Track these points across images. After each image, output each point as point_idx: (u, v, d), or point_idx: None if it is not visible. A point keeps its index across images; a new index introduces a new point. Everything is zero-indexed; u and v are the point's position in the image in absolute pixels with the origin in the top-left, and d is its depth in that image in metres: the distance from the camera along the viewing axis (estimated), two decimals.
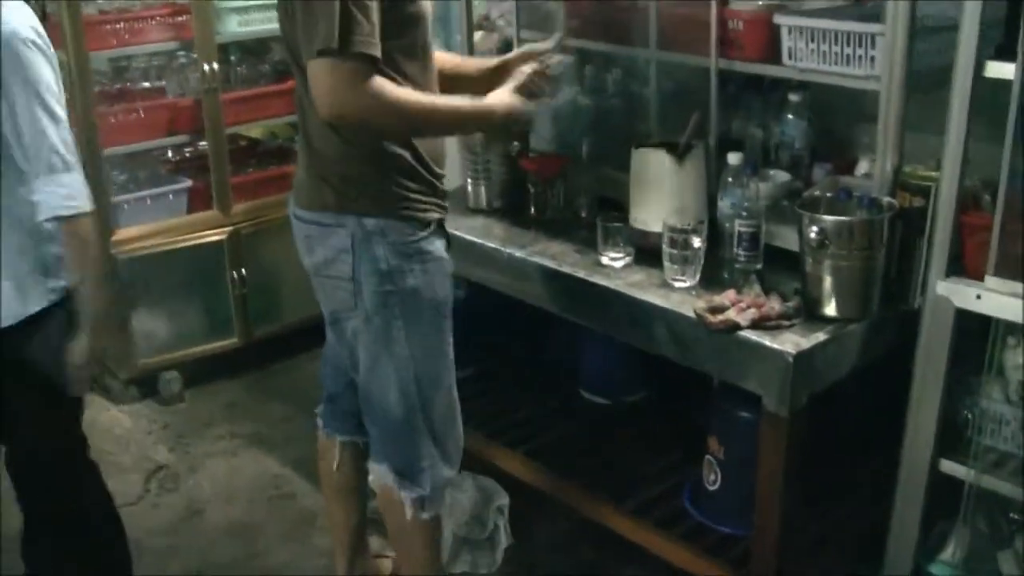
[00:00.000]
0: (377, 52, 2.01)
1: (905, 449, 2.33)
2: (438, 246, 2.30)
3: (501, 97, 2.29)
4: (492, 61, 2.54)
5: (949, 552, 2.40)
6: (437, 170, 2.28)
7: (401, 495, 2.42)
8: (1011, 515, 2.33)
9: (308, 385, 3.87)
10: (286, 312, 4.14)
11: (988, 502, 2.31)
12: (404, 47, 2.14)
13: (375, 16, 2.00)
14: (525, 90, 2.33)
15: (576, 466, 2.95)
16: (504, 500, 3.10)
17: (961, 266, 2.20)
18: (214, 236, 3.95)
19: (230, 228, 3.97)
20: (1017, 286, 2.10)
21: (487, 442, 3.07)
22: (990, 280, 2.14)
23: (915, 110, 2.29)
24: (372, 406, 2.39)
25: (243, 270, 4.01)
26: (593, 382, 3.23)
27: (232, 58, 4.16)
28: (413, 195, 2.22)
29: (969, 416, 2.31)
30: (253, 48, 4.23)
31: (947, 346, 2.22)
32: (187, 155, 4.17)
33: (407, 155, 2.20)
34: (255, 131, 4.48)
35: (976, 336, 2.23)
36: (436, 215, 2.29)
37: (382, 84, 2.03)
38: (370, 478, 2.57)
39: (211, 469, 3.60)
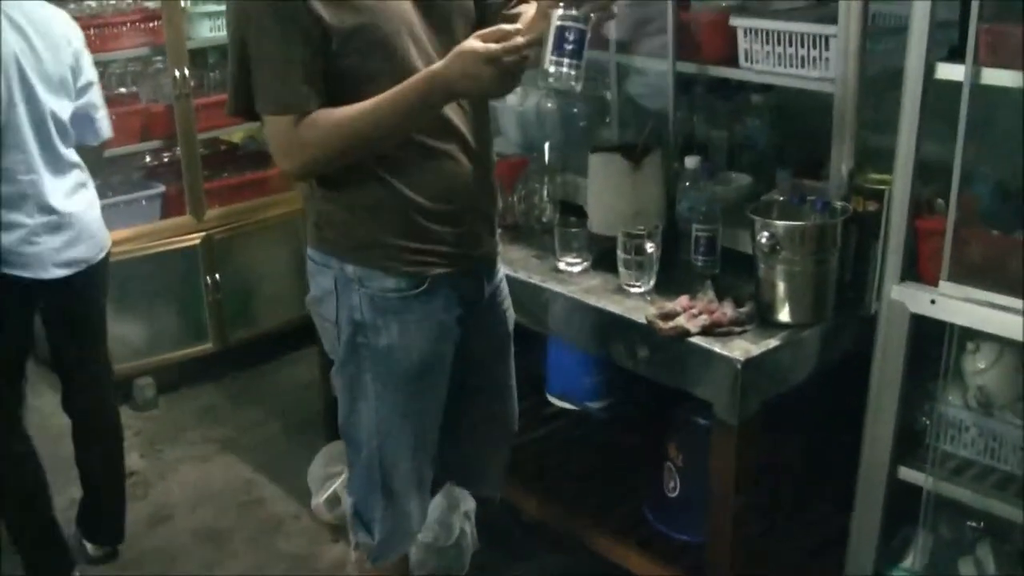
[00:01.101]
0: (301, 102, 1.86)
1: (863, 456, 2.28)
2: (434, 307, 2.06)
3: (454, 53, 1.83)
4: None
5: (910, 560, 2.36)
6: (437, 209, 2.01)
7: (351, 534, 2.35)
8: (970, 523, 2.27)
9: (281, 390, 3.93)
10: (262, 317, 4.11)
11: (949, 509, 2.27)
12: (370, 79, 1.91)
13: (289, 61, 1.85)
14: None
15: (540, 473, 2.93)
16: (470, 505, 3.04)
17: (916, 271, 2.15)
18: (188, 241, 3.92)
19: (204, 233, 3.94)
20: (971, 291, 2.05)
21: None
22: (944, 285, 2.09)
23: (875, 113, 2.25)
24: (347, 445, 2.28)
25: (217, 275, 3.98)
26: (560, 388, 3.17)
27: (210, 61, 4.11)
28: (398, 243, 2.00)
29: (927, 422, 2.26)
30: None
31: (903, 351, 2.17)
32: (164, 160, 4.12)
33: (385, 194, 1.98)
34: (236, 135, 4.44)
35: (933, 340, 2.18)
36: (437, 269, 2.03)
37: (312, 123, 1.87)
38: None
39: (182, 475, 3.57)
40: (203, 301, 3.99)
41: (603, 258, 2.50)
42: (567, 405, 3.15)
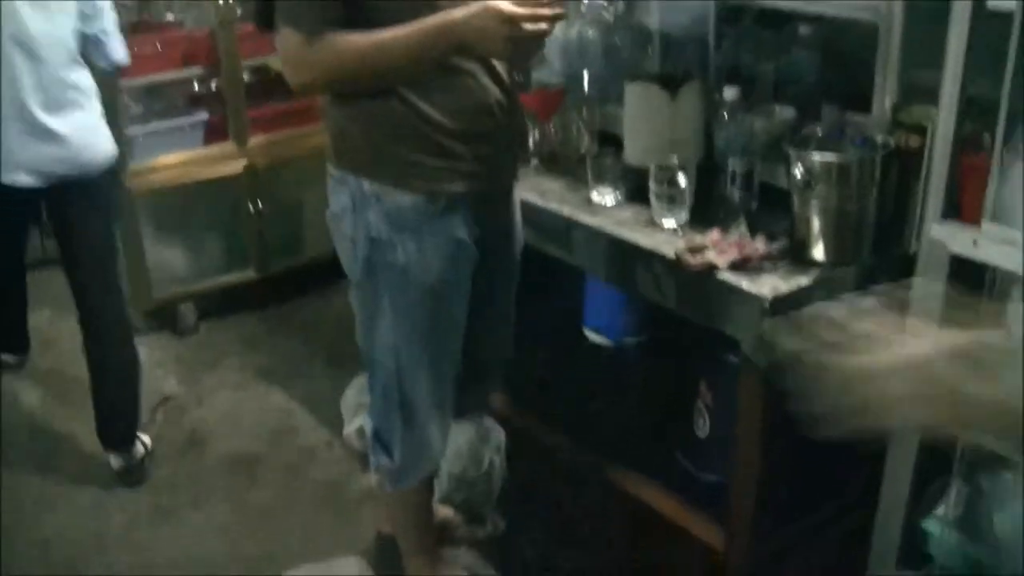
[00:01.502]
0: (315, 21, 1.87)
1: None
2: (450, 224, 2.04)
3: (479, 6, 1.83)
4: None
5: (944, 510, 2.29)
6: (458, 128, 1.99)
7: (371, 457, 2.34)
8: (1005, 471, 2.20)
9: (322, 321, 3.93)
10: (304, 247, 4.10)
11: (984, 458, 2.18)
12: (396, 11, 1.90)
13: None
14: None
15: (573, 411, 2.89)
16: (501, 438, 3.04)
17: (958, 210, 2.06)
18: (230, 169, 3.90)
19: (246, 161, 3.91)
20: (1015, 234, 1.96)
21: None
22: (987, 226, 2.00)
23: (923, 45, 2.13)
24: (366, 365, 2.28)
25: (260, 203, 3.96)
26: (596, 322, 3.14)
27: None
28: (414, 159, 1.99)
29: None
30: None
31: (942, 293, 2.09)
32: (209, 88, 4.09)
33: (404, 110, 1.97)
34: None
35: (975, 285, 2.08)
36: (455, 187, 2.02)
37: (324, 45, 1.88)
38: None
39: (218, 401, 3.58)
40: (246, 229, 3.99)
41: (637, 190, 2.44)
42: (603, 340, 3.14)
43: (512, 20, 1.79)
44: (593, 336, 3.13)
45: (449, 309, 2.15)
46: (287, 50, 1.92)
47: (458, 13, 1.85)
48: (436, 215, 2.03)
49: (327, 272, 3.89)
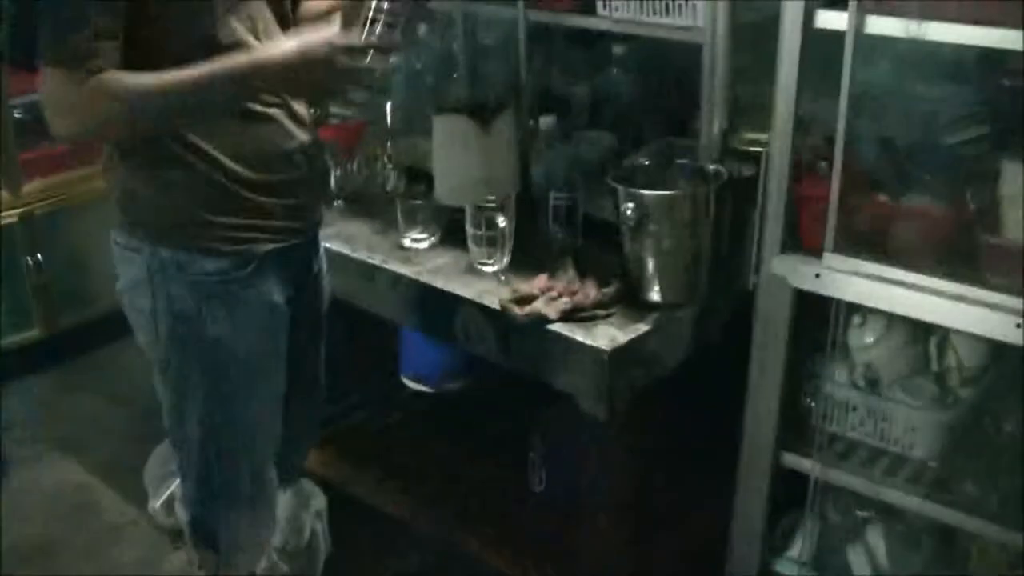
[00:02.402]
0: (84, 58, 1.55)
1: (745, 443, 2.08)
2: (265, 289, 1.83)
3: (295, 39, 1.67)
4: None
5: (797, 549, 2.18)
6: (261, 179, 1.77)
7: (194, 556, 2.10)
8: (858, 511, 2.08)
9: (119, 377, 3.55)
10: (95, 298, 3.69)
11: (836, 494, 2.10)
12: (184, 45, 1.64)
13: (81, 7, 1.56)
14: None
15: (396, 465, 2.67)
16: (321, 503, 2.75)
17: (798, 240, 1.92)
18: (2, 220, 3.48)
19: (21, 210, 3.51)
20: (858, 263, 1.84)
21: None
22: (829, 257, 1.85)
23: (750, 64, 2.00)
24: (176, 452, 2.02)
25: (40, 255, 3.55)
26: (414, 369, 2.89)
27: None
28: (218, 220, 1.75)
29: (812, 403, 2.05)
30: None
31: (785, 329, 1.96)
32: None
33: (199, 164, 1.72)
34: None
35: (816, 314, 1.97)
36: (264, 246, 1.80)
37: (100, 85, 1.56)
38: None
39: (9, 481, 3.18)
40: (26, 284, 3.58)
41: (452, 232, 2.22)
42: (423, 388, 2.91)
43: (342, 51, 1.61)
44: (411, 384, 2.86)
45: (268, 379, 1.92)
46: (50, 92, 1.58)
47: (268, 50, 1.66)
48: (245, 279, 1.79)
49: (122, 323, 3.54)
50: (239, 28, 1.69)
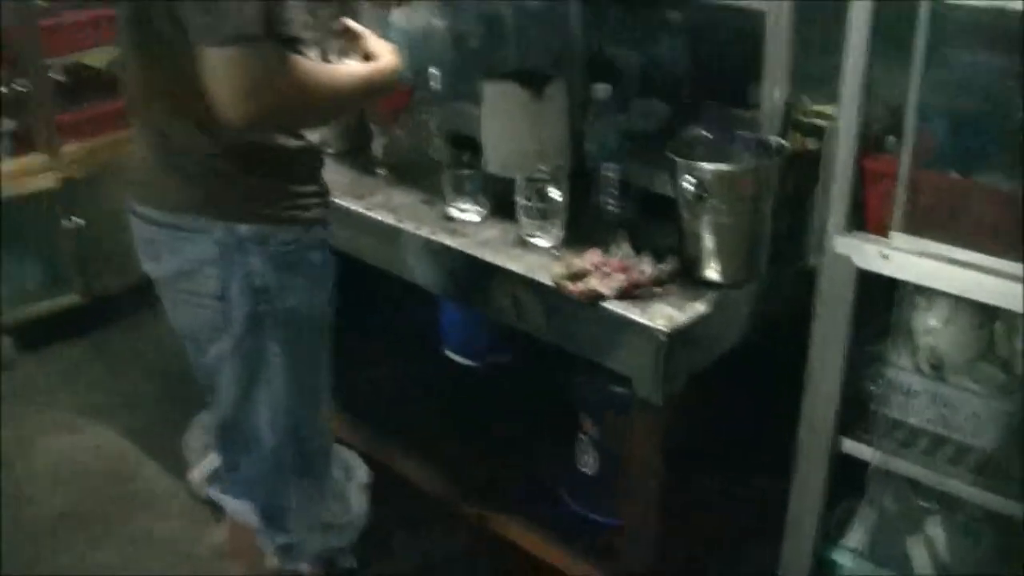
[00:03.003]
0: (260, 31, 1.52)
1: (802, 427, 2.02)
2: (323, 250, 1.90)
3: (389, 52, 1.92)
4: None
5: (853, 538, 2.12)
6: (318, 149, 1.88)
7: (263, 541, 2.07)
8: (919, 501, 2.02)
9: (156, 345, 3.54)
10: (132, 263, 3.64)
11: (896, 482, 2.03)
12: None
13: None
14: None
15: (439, 443, 2.63)
16: (365, 476, 2.73)
17: (863, 220, 1.85)
18: (42, 182, 3.49)
19: (60, 173, 3.51)
20: (926, 243, 1.77)
21: (341, 412, 2.66)
22: (896, 237, 1.79)
23: (815, 31, 1.93)
24: (235, 439, 1.99)
25: (79, 219, 3.55)
26: (459, 341, 2.85)
27: None
28: (297, 190, 1.81)
29: (873, 388, 1.99)
30: None
31: (848, 310, 1.89)
32: (16, 92, 3.62)
33: (289, 140, 1.78)
34: (102, 58, 3.94)
35: (880, 295, 1.91)
36: (322, 208, 1.88)
37: (302, 68, 1.61)
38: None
39: (44, 448, 3.18)
40: (65, 249, 3.61)
41: (502, 204, 2.17)
42: (467, 361, 2.87)
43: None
44: (456, 357, 2.83)
45: (328, 340, 1.98)
46: (243, 73, 1.52)
47: (387, 60, 1.89)
48: (313, 245, 1.85)
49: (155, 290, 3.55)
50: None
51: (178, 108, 1.69)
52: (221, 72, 1.52)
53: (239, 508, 2.08)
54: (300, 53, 1.65)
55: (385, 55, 1.89)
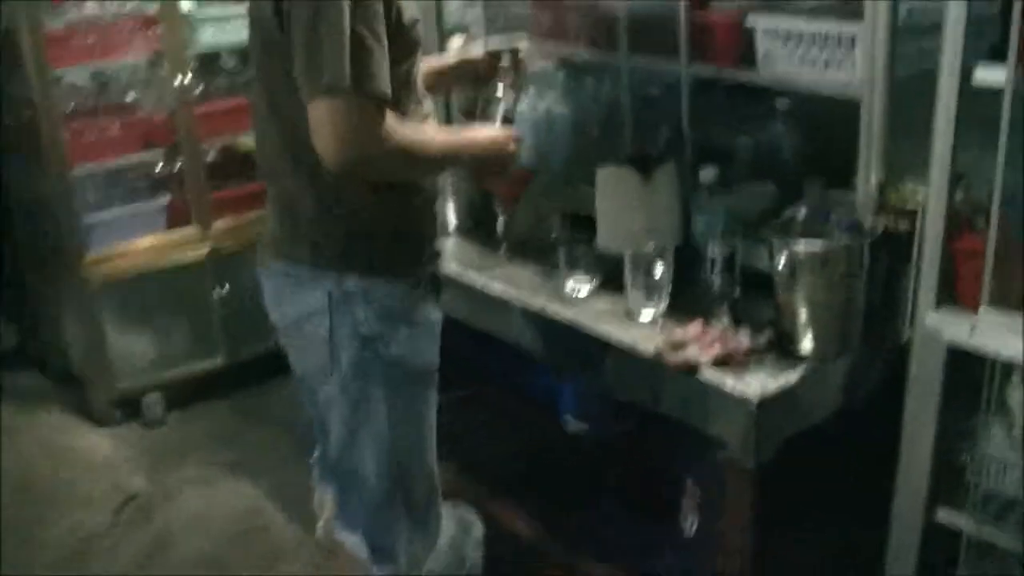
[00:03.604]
0: (389, 89, 1.75)
1: (897, 497, 2.10)
2: (428, 306, 2.05)
3: (487, 129, 2.12)
4: (434, 63, 2.29)
5: None
6: (429, 216, 2.05)
7: (374, 570, 2.20)
8: (1014, 573, 2.05)
9: (292, 407, 3.66)
10: (273, 332, 3.90)
11: (992, 553, 2.06)
12: (400, 78, 1.86)
13: (385, 45, 1.75)
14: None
15: (551, 504, 2.75)
16: (480, 532, 2.85)
17: (954, 295, 1.95)
18: (194, 254, 3.78)
19: (210, 245, 3.80)
20: (1015, 319, 1.83)
21: (459, 473, 2.83)
22: (985, 311, 1.88)
23: (908, 118, 2.02)
24: (344, 479, 2.16)
25: (226, 288, 3.82)
26: (575, 408, 2.97)
27: (223, 65, 3.94)
28: (400, 250, 1.98)
29: (968, 460, 2.05)
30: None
31: (940, 383, 1.98)
32: (172, 170, 3.94)
33: (394, 206, 1.95)
34: (249, 142, 4.26)
35: (973, 370, 1.97)
36: (428, 267, 2.05)
37: (395, 126, 1.78)
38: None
39: (186, 498, 3.41)
40: (212, 315, 3.86)
41: (613, 278, 2.30)
42: (582, 428, 2.97)
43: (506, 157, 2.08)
44: (571, 424, 2.96)
45: (434, 387, 2.11)
46: (339, 120, 1.72)
47: (487, 136, 2.08)
48: (418, 299, 2.01)
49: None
50: (419, 82, 1.98)
51: (294, 163, 1.89)
52: (318, 120, 1.72)
53: (351, 540, 2.22)
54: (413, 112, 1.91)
55: (489, 131, 2.09)
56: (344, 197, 1.90)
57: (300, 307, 1.99)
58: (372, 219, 1.93)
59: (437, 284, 2.10)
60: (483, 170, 2.17)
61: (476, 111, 2.24)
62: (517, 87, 2.21)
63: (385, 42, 1.74)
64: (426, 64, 2.26)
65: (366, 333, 1.95)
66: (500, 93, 2.17)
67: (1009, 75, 1.73)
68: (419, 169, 1.95)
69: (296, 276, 1.98)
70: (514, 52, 2.22)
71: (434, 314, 2.06)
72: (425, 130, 1.94)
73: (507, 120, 2.14)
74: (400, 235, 1.97)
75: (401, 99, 1.88)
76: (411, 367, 2.02)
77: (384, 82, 1.73)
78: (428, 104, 2.05)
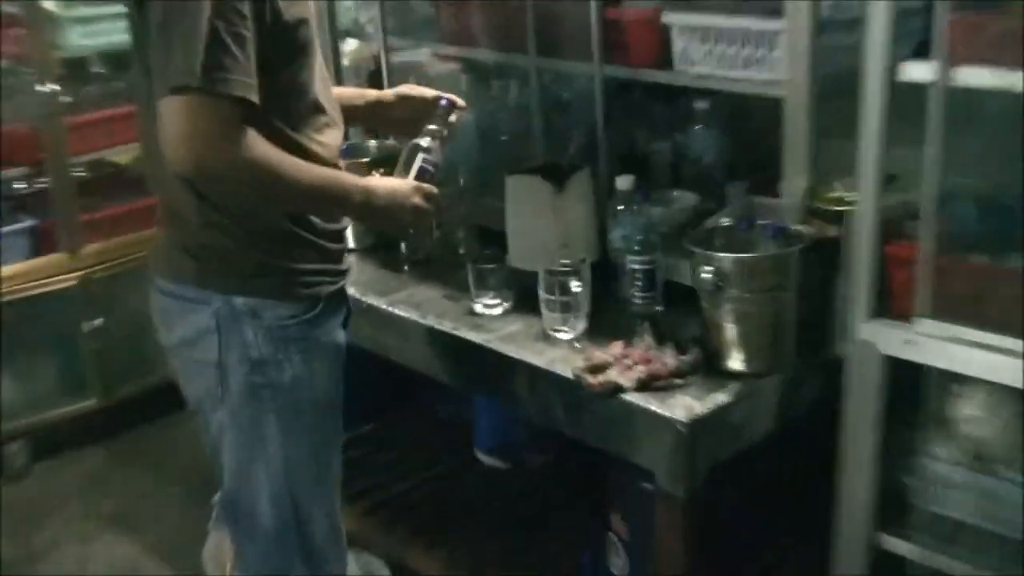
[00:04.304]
0: (254, 96, 1.73)
1: (838, 523, 2.13)
2: (329, 329, 2.05)
3: (393, 180, 2.08)
4: (373, 93, 2.38)
5: None
6: (331, 229, 2.04)
7: None
8: None
9: (175, 451, 3.70)
10: (152, 367, 3.86)
11: None
12: (284, 85, 1.87)
13: (251, 46, 1.73)
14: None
15: (466, 543, 2.77)
16: None
17: (888, 306, 2.00)
18: (62, 283, 3.71)
19: (81, 273, 3.73)
20: (952, 328, 1.90)
21: (366, 517, 2.86)
22: (920, 322, 1.93)
23: (834, 118, 2.08)
24: (238, 515, 2.14)
25: (99, 320, 3.77)
26: (490, 442, 3.01)
27: (93, 71, 3.89)
28: (296, 267, 1.97)
29: (911, 481, 2.11)
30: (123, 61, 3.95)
31: (877, 399, 2.02)
32: (38, 190, 3.87)
33: (295, 223, 1.96)
34: (123, 156, 4.20)
35: (914, 384, 2.04)
36: (328, 287, 2.04)
37: (254, 140, 1.76)
38: None
39: (57, 560, 3.35)
40: (83, 350, 3.79)
41: (526, 298, 2.33)
42: (498, 463, 3.03)
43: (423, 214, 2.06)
44: (487, 459, 2.99)
45: (335, 419, 2.13)
46: (200, 123, 1.71)
47: (378, 182, 2.03)
48: (314, 321, 2.01)
49: (179, 394, 3.72)
50: (321, 90, 1.98)
51: (172, 180, 1.85)
52: (165, 119, 1.72)
53: None
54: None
55: (395, 182, 2.06)
56: (229, 206, 1.90)
57: (187, 328, 2.00)
58: (261, 231, 1.94)
59: (342, 305, 2.11)
60: (385, 225, 2.22)
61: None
62: (445, 140, 2.18)
63: (251, 42, 1.73)
64: (361, 93, 2.36)
65: (256, 357, 1.96)
66: (426, 142, 2.12)
67: (938, 70, 1.78)
68: (275, 197, 1.87)
69: (182, 294, 1.99)
70: (452, 103, 2.23)
71: (336, 338, 2.07)
72: (297, 161, 1.85)
73: (426, 174, 2.10)
74: (294, 248, 1.97)
75: (291, 110, 1.90)
76: (308, 396, 2.03)
77: (242, 85, 1.72)
78: (336, 123, 2.06)
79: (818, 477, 2.11)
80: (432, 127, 2.16)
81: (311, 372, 2.02)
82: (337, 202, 1.97)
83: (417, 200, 2.03)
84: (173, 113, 1.71)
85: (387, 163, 2.27)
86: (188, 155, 1.72)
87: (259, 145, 1.77)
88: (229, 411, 2.02)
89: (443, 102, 2.20)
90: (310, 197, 1.91)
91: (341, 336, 2.09)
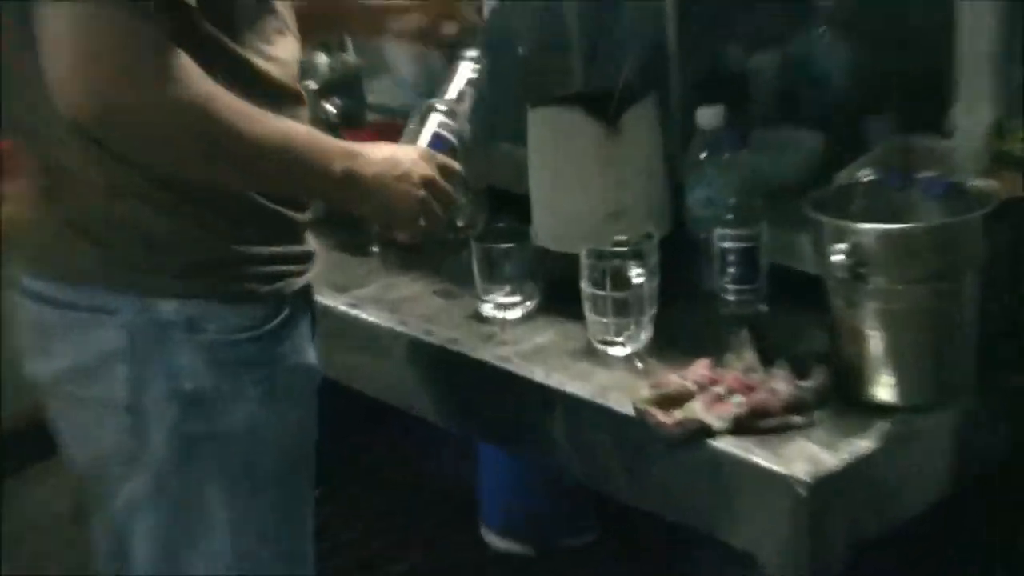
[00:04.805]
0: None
1: None
2: (297, 343, 2.00)
3: (403, 152, 2.05)
4: None
5: None
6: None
7: None
8: None
9: (23, 524, 3.60)
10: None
11: None
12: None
13: None
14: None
15: None
16: None
17: None
18: None
19: None
20: None
21: None
22: None
23: None
24: None
25: None
26: (503, 518, 2.95)
27: None
28: (251, 252, 1.91)
29: None
30: None
31: None
32: None
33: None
34: None
35: None
36: (295, 280, 1.99)
37: (189, 68, 1.69)
38: None
39: None
40: None
41: (559, 294, 2.31)
42: (514, 546, 2.99)
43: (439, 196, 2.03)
44: (498, 541, 2.92)
45: (309, 481, 2.10)
46: (103, 42, 1.63)
47: (371, 150, 1.98)
48: (282, 333, 1.96)
49: (26, 447, 3.70)
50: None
51: (56, 124, 1.76)
52: (52, 36, 1.62)
53: None
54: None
55: (401, 149, 2.05)
56: (164, 186, 1.83)
57: (79, 351, 1.91)
58: (199, 198, 1.85)
59: (308, 306, 2.07)
60: (378, 212, 2.11)
61: None
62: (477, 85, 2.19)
63: None
64: None
65: (191, 391, 1.88)
66: (444, 102, 2.16)
67: None
68: (217, 161, 1.81)
69: (73, 300, 1.90)
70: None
71: (307, 357, 2.03)
72: (252, 108, 1.80)
73: (442, 141, 2.11)
74: (247, 222, 1.91)
75: (228, 10, 1.82)
76: (270, 448, 1.96)
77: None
78: (291, 29, 2.01)
79: (1014, 556, 2.10)
80: (463, 55, 2.22)
81: (275, 412, 1.96)
82: (311, 172, 1.91)
83: (429, 173, 2.02)
84: (63, 26, 1.62)
85: (343, 87, 2.22)
86: (86, 90, 1.64)
87: (196, 77, 1.69)
88: (148, 477, 1.93)
89: (471, 52, 2.24)
90: (271, 161, 1.84)
91: (311, 354, 2.04)
